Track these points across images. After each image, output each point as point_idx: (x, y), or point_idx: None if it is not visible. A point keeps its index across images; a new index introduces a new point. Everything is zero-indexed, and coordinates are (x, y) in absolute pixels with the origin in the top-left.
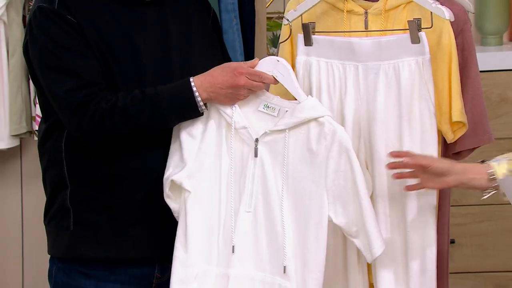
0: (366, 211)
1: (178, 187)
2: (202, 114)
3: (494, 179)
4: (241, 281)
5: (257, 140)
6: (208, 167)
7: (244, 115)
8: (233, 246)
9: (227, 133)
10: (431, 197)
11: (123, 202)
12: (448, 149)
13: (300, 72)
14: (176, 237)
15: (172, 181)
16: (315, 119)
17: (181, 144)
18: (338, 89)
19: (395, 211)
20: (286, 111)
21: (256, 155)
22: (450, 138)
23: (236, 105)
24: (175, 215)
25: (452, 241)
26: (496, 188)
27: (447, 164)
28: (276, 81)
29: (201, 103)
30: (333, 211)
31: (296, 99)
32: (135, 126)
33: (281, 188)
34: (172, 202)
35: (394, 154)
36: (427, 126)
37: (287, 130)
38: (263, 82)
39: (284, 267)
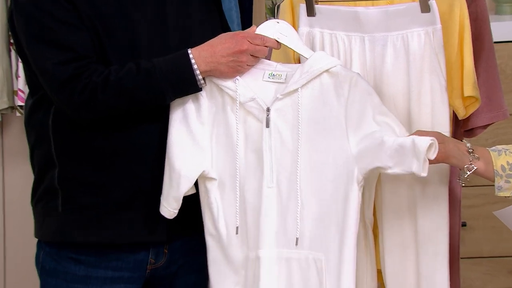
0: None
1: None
2: (201, 89)
3: (472, 154)
4: (272, 262)
5: (268, 109)
6: (223, 150)
7: (249, 87)
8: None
9: (232, 109)
10: (443, 177)
11: (116, 182)
12: (459, 126)
13: None
14: (205, 230)
15: (201, 174)
16: (327, 70)
17: (191, 132)
18: (343, 62)
19: (404, 192)
20: (294, 74)
21: (268, 125)
22: (462, 114)
23: (238, 78)
24: (176, 212)
25: (464, 224)
26: (476, 172)
27: (438, 134)
28: (279, 45)
29: (200, 76)
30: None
31: (300, 62)
32: (129, 101)
33: (297, 151)
34: (181, 198)
35: None
36: (438, 101)
37: (299, 89)
38: (266, 46)
39: (297, 238)
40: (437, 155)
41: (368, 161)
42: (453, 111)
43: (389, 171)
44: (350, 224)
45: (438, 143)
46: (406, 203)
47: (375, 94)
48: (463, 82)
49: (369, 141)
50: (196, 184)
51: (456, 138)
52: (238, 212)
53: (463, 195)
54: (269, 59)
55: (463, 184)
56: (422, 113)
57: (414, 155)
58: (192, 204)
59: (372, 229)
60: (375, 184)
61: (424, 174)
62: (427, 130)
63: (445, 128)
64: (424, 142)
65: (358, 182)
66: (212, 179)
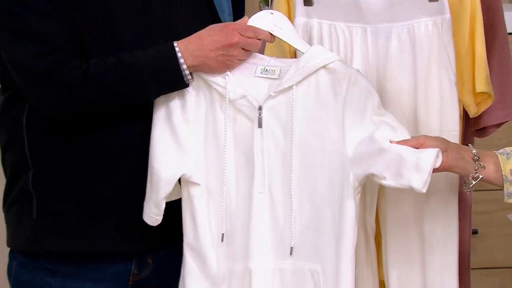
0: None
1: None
2: (187, 85)
3: (478, 162)
4: (265, 274)
5: (260, 108)
6: (210, 151)
7: (240, 83)
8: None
9: (221, 107)
10: (451, 180)
11: (95, 186)
12: (470, 125)
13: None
14: (184, 239)
15: (180, 177)
16: (324, 66)
17: (174, 131)
18: (343, 56)
19: (409, 197)
20: (289, 69)
21: (260, 125)
22: (473, 111)
23: (228, 73)
24: (158, 218)
25: (475, 232)
26: (482, 179)
27: (441, 141)
28: (272, 37)
29: (187, 71)
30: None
31: (296, 57)
32: (109, 98)
33: (290, 153)
34: (163, 203)
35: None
36: (447, 97)
37: (294, 87)
38: (259, 39)
39: (291, 248)
40: (440, 164)
41: (364, 167)
42: (464, 109)
43: (383, 182)
44: (347, 233)
45: (441, 153)
46: (411, 209)
47: (375, 93)
48: (475, 77)
49: (367, 145)
50: None
51: (467, 138)
52: (224, 218)
53: (474, 200)
54: (262, 53)
55: (469, 191)
56: (430, 111)
57: (417, 169)
58: (179, 210)
59: (374, 237)
60: (378, 188)
61: (424, 190)
62: (435, 130)
63: (455, 127)
64: (429, 157)
65: (355, 188)
66: (195, 184)
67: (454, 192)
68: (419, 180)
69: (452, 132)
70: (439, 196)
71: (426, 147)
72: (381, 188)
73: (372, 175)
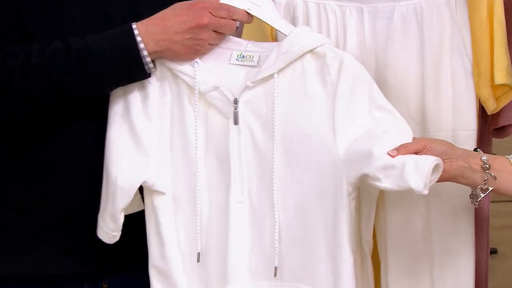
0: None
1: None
2: (149, 75)
3: (487, 171)
4: None
5: (236, 101)
6: (178, 154)
7: (211, 72)
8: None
9: (190, 101)
10: (466, 189)
11: (40, 199)
12: (487, 123)
13: None
14: (149, 260)
15: (142, 185)
16: (311, 51)
17: (133, 129)
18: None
19: (414, 209)
20: (269, 55)
21: (236, 122)
22: (491, 107)
23: (197, 60)
24: (115, 234)
25: (494, 251)
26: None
27: (446, 145)
28: (249, 17)
29: (148, 59)
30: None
31: (278, 40)
32: (55, 91)
33: (272, 154)
34: (121, 216)
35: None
36: (462, 90)
37: (275, 75)
38: (233, 19)
39: (275, 268)
40: (443, 174)
41: (358, 168)
42: (480, 104)
43: (378, 184)
44: (344, 247)
45: (444, 160)
46: (417, 223)
47: (372, 82)
48: (493, 66)
49: (362, 143)
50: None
51: (483, 139)
52: (200, 234)
53: (492, 213)
54: (240, 37)
55: (477, 205)
56: (441, 106)
57: (416, 169)
58: (142, 225)
59: (371, 256)
60: (377, 197)
61: (426, 191)
62: (446, 129)
63: (471, 126)
64: (428, 159)
65: (349, 194)
66: (160, 192)
67: (469, 202)
68: (418, 181)
69: (468, 131)
70: (451, 206)
71: (428, 152)
72: (381, 198)
73: (366, 176)
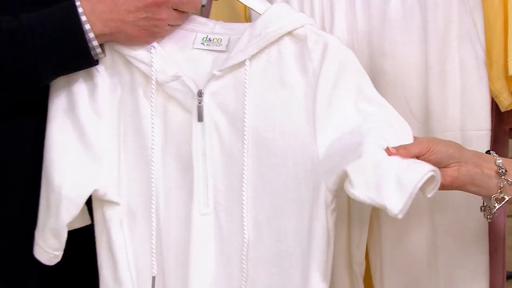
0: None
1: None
2: (96, 62)
3: (503, 176)
4: None
5: (200, 93)
6: (132, 157)
7: (171, 59)
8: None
9: (146, 93)
10: (478, 202)
11: None
12: (502, 122)
13: None
14: (100, 283)
15: (92, 194)
16: (290, 33)
17: (80, 128)
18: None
19: (416, 224)
20: (240, 38)
21: (200, 118)
22: (506, 103)
23: (155, 44)
24: (57, 254)
25: (510, 276)
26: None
27: (454, 147)
28: None
29: (95, 42)
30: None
31: (250, 21)
32: None
33: (242, 157)
34: (65, 231)
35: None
36: (473, 83)
37: (247, 62)
38: None
39: None
40: (449, 181)
41: (337, 170)
42: (492, 99)
43: (350, 189)
44: (316, 269)
45: (451, 164)
46: (419, 242)
47: (362, 71)
48: (507, 55)
49: (345, 141)
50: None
51: (498, 139)
52: (155, 253)
53: (509, 229)
54: (207, 17)
55: (490, 219)
56: (448, 102)
57: (397, 183)
58: (91, 242)
59: (363, 279)
60: (370, 213)
61: (400, 215)
62: (453, 128)
63: (484, 125)
64: (418, 172)
65: (327, 204)
66: (113, 203)
67: (481, 215)
68: (396, 200)
69: (480, 131)
70: (460, 221)
71: (433, 155)
72: (375, 209)
73: (343, 175)
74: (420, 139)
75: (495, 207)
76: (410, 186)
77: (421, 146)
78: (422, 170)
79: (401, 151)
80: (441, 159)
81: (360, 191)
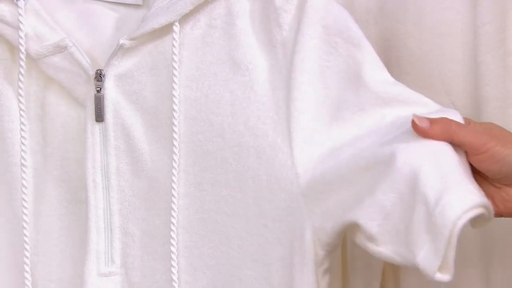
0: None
1: None
2: None
3: None
4: None
5: (100, 75)
6: None
7: (52, 18)
8: None
9: (10, 73)
10: None
11: None
12: None
13: None
14: None
15: None
16: None
17: None
18: None
19: (471, 282)
20: None
21: (100, 118)
22: None
23: None
24: None
25: None
26: None
27: (500, 134)
28: None
29: None
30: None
31: None
32: None
33: (170, 181)
34: None
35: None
36: None
37: (175, 26)
38: None
39: None
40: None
41: (342, 211)
42: None
43: (372, 248)
44: None
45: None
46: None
47: (364, 41)
48: None
49: (343, 157)
50: None
51: None
52: None
53: None
54: None
55: None
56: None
57: (428, 227)
58: None
59: None
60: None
61: (447, 277)
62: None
63: None
64: (456, 210)
65: (317, 262)
66: None
67: None
68: (429, 254)
69: None
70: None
71: (490, 162)
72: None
73: (354, 226)
74: (437, 119)
75: None
76: (446, 231)
77: (440, 126)
78: (463, 203)
79: (437, 125)
80: (507, 172)
81: (387, 246)
